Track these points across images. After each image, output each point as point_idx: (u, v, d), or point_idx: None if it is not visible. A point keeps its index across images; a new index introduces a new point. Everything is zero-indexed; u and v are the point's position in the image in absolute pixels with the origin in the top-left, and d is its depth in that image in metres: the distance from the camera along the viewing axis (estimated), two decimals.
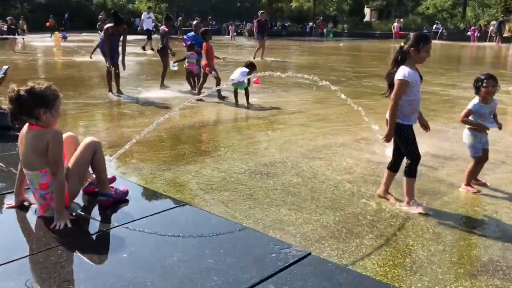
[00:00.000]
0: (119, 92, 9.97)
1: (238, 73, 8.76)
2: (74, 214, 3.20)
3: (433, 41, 20.74)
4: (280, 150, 5.95)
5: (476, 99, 4.54)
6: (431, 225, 3.80)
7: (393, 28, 35.45)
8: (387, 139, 4.03)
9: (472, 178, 4.68)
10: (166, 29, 11.27)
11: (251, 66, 9.11)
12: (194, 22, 11.97)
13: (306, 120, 7.89)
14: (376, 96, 9.75)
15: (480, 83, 4.46)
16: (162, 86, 10.87)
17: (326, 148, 6.07)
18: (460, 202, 4.37)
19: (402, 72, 3.89)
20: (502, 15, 36.84)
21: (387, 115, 4.01)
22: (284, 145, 6.16)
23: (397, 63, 3.99)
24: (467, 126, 4.62)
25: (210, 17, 46.62)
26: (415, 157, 4.03)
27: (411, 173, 4.05)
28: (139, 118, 7.84)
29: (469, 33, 39.07)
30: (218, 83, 9.55)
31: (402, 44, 4.00)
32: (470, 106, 4.54)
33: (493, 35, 36.29)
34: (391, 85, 4.03)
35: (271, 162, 5.40)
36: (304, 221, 3.85)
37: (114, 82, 10.00)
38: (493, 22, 37.55)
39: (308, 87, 11.37)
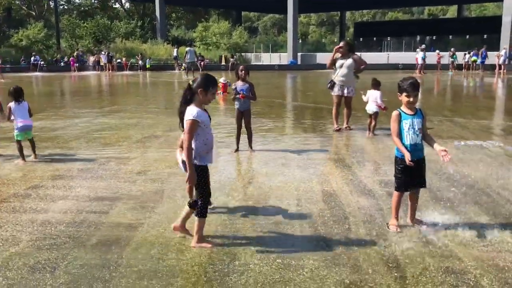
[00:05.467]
0: None
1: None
2: None
3: (35, 74, 20.06)
4: None
5: None
6: None
7: None
8: (191, 181, 3.97)
9: None
10: None
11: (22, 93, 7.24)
12: None
13: None
14: None
15: None
16: None
17: None
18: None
19: (192, 112, 3.92)
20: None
21: (182, 157, 4.04)
22: None
23: (186, 102, 4.01)
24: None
25: None
26: (207, 198, 4.13)
27: (203, 213, 4.10)
28: None
29: (61, 63, 40.12)
30: None
31: (190, 83, 4.02)
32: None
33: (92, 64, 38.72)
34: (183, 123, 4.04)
35: None
36: None
37: None
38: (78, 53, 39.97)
39: None
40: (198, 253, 3.99)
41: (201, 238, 4.15)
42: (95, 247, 4.13)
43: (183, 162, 4.08)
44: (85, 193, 5.71)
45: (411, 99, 4.33)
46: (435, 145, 4.37)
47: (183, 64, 34.02)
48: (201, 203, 4.09)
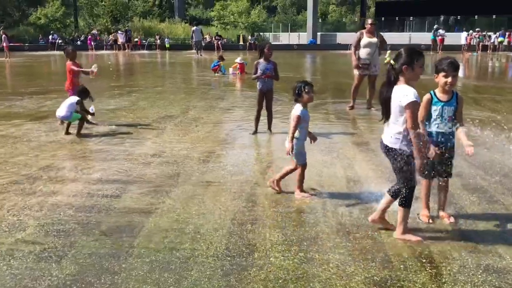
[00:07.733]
0: None
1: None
2: None
3: (53, 52, 19.73)
4: None
5: (299, 106, 4.75)
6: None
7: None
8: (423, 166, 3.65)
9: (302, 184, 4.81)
10: None
11: (83, 93, 7.86)
12: None
13: None
14: None
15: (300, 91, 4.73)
16: None
17: None
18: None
19: (411, 92, 3.47)
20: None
21: (386, 142, 3.68)
22: None
23: (390, 84, 3.61)
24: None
25: None
26: (413, 186, 3.72)
27: (408, 203, 3.72)
28: None
29: (78, 42, 40.01)
30: None
31: (392, 62, 3.59)
32: (298, 112, 4.72)
33: (108, 43, 38.51)
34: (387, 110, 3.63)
35: None
36: None
37: None
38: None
39: None
40: (214, 243, 3.71)
41: (406, 230, 3.80)
42: (105, 234, 3.89)
43: (388, 148, 3.69)
44: (97, 175, 5.47)
45: (449, 80, 3.93)
46: (462, 134, 3.99)
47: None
48: (407, 192, 3.70)
